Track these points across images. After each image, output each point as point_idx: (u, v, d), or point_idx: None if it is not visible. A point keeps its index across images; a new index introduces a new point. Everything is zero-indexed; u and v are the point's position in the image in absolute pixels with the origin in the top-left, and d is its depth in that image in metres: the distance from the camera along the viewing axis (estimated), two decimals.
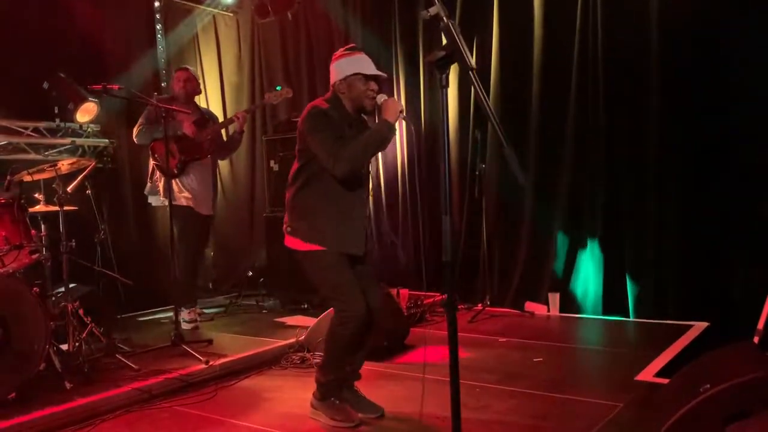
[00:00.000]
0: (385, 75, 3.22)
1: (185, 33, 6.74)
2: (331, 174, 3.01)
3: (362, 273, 3.24)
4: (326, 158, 2.98)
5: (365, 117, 3.28)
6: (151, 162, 5.17)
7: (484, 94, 1.59)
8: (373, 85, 3.15)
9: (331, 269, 3.11)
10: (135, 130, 5.11)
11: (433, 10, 1.67)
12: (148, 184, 5.23)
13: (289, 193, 3.25)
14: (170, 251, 4.41)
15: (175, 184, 5.06)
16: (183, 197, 5.09)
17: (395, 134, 3.09)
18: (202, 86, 6.36)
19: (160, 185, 5.13)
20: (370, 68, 3.14)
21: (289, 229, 3.21)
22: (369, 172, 3.34)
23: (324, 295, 3.30)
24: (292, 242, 3.20)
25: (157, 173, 5.16)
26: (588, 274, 5.25)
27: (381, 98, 3.10)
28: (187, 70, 5.38)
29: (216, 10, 6.98)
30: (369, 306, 3.11)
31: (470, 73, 1.60)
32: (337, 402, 3.23)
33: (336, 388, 3.24)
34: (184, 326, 5.00)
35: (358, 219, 3.18)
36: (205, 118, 5.30)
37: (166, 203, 4.85)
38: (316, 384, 3.26)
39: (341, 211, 3.12)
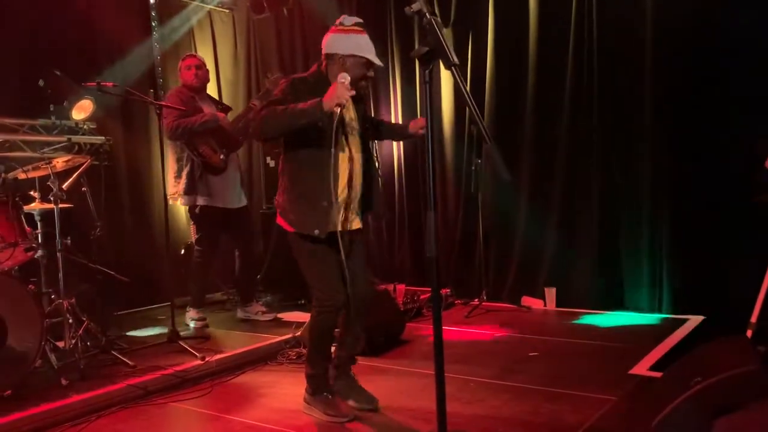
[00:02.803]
0: (380, 64, 3.10)
1: (181, 29, 6.73)
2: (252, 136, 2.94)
3: (352, 261, 3.14)
4: (252, 117, 2.93)
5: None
6: (178, 162, 4.92)
7: (467, 89, 1.60)
8: (371, 72, 3.07)
9: (310, 254, 3.06)
10: (173, 125, 4.74)
11: (415, 6, 1.67)
12: (183, 183, 4.90)
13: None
14: (165, 247, 4.42)
15: (205, 181, 4.91)
16: (202, 196, 4.93)
17: (325, 116, 2.84)
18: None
19: (181, 184, 4.90)
20: (374, 54, 3.04)
21: (275, 204, 3.21)
22: (337, 155, 3.03)
23: (306, 279, 3.20)
24: (278, 219, 3.18)
25: (185, 170, 4.88)
26: (584, 268, 5.26)
27: (342, 77, 2.89)
28: (195, 56, 5.24)
29: (211, 6, 6.97)
30: (353, 294, 3.07)
31: (452, 68, 1.61)
32: (330, 396, 3.22)
33: (326, 382, 3.22)
34: (193, 325, 5.01)
35: (323, 200, 2.98)
36: (222, 108, 5.11)
37: (193, 202, 4.90)
38: (306, 378, 3.26)
39: (303, 193, 3.04)
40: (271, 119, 2.86)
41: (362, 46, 3.00)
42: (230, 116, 5.30)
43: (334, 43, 3.03)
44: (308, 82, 3.05)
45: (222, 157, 4.95)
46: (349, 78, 2.91)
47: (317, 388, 3.23)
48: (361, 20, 3.08)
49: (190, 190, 4.90)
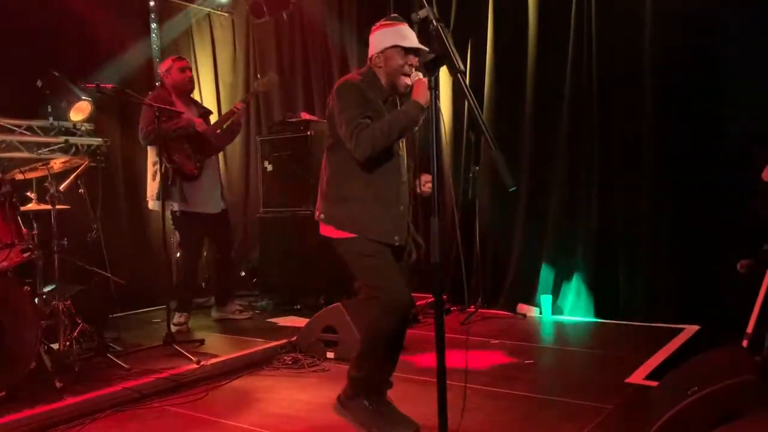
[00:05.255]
0: (426, 48, 2.79)
1: (180, 33, 6.73)
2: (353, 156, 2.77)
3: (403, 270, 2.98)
4: (347, 139, 2.75)
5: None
6: (155, 165, 4.83)
7: (473, 96, 1.60)
8: (412, 60, 2.86)
9: (372, 255, 2.85)
10: (145, 131, 4.79)
11: (422, 13, 1.68)
12: (155, 189, 4.85)
13: (322, 178, 3.00)
14: (164, 252, 4.41)
15: (179, 187, 4.89)
16: (177, 201, 4.90)
17: (424, 116, 2.75)
18: (197, 85, 6.38)
19: (154, 188, 4.86)
20: (410, 40, 2.85)
21: (322, 216, 2.95)
22: (404, 156, 2.99)
23: (364, 283, 2.94)
24: (325, 230, 2.95)
25: (159, 175, 4.72)
26: (580, 277, 5.26)
27: (415, 76, 2.84)
28: (184, 58, 5.25)
29: (211, 10, 6.98)
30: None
31: (458, 75, 1.61)
32: (369, 406, 2.92)
33: (367, 386, 2.95)
34: (172, 328, 4.98)
35: (401, 204, 2.90)
36: (204, 111, 5.12)
37: (168, 208, 4.77)
38: (348, 379, 3.00)
39: (380, 197, 2.86)
40: (379, 139, 2.72)
41: (390, 35, 2.87)
42: (212, 119, 5.33)
43: (370, 46, 2.93)
44: (365, 83, 2.89)
45: (197, 164, 4.92)
46: (420, 74, 2.84)
47: (356, 390, 2.95)
48: (394, 15, 2.96)
49: (160, 196, 4.71)
